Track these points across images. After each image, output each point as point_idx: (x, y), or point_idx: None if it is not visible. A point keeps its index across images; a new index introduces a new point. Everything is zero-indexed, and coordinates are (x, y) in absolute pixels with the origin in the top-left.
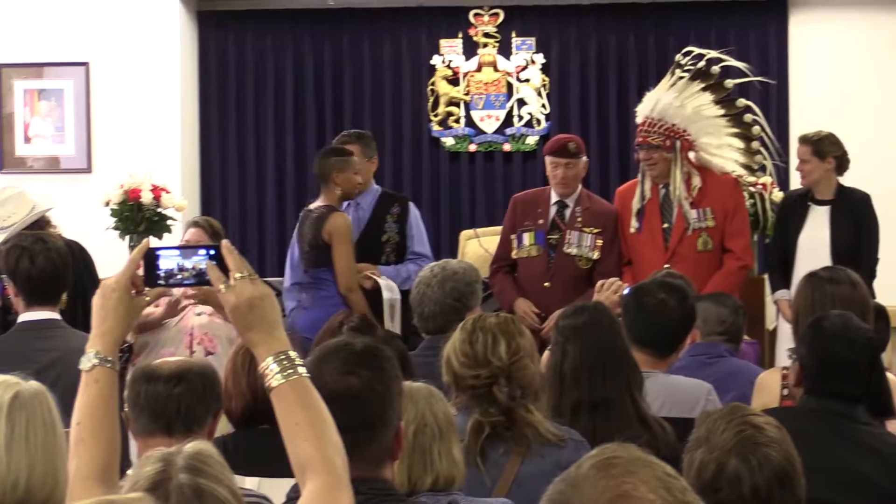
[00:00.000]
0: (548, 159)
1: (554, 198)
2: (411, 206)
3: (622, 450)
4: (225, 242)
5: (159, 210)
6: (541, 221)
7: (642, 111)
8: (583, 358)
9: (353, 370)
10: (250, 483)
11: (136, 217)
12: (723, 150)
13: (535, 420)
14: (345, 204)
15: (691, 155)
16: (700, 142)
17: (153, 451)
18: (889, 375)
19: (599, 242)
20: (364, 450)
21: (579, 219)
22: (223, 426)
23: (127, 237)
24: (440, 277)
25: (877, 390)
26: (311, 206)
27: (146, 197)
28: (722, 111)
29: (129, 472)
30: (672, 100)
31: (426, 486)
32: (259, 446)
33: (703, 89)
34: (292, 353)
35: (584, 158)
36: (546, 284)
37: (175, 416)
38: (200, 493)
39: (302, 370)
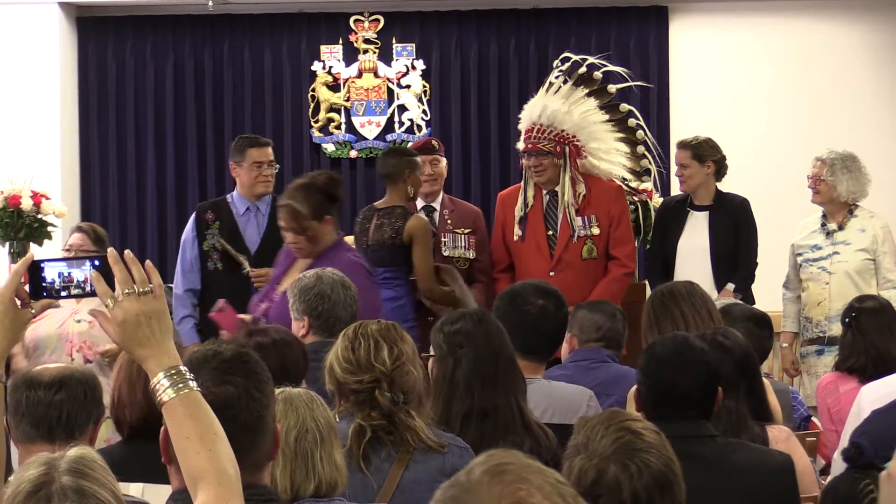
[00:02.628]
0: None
1: (421, 203)
2: None
3: (511, 456)
4: (111, 252)
5: (39, 216)
6: None
7: (527, 117)
8: (476, 366)
9: (227, 378)
10: (134, 489)
11: (16, 223)
12: (611, 155)
13: (416, 425)
14: (244, 208)
15: (577, 161)
16: (589, 147)
17: (36, 455)
18: (768, 381)
19: (473, 241)
20: (247, 456)
21: (449, 221)
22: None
23: (7, 244)
24: (339, 284)
25: (756, 397)
26: (377, 205)
27: (26, 203)
28: (606, 116)
29: (11, 477)
30: (560, 105)
31: (309, 491)
32: (149, 455)
33: (588, 95)
34: (183, 368)
35: (444, 159)
36: None
37: (56, 423)
38: (83, 494)
39: (193, 384)
